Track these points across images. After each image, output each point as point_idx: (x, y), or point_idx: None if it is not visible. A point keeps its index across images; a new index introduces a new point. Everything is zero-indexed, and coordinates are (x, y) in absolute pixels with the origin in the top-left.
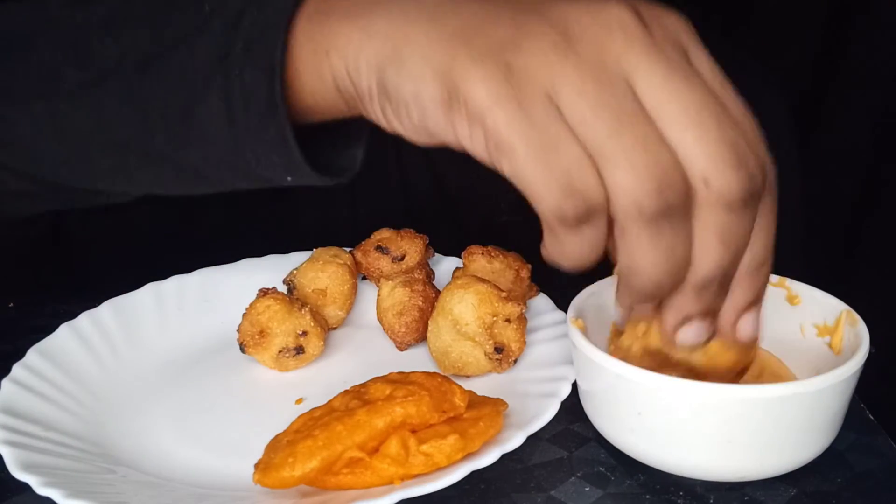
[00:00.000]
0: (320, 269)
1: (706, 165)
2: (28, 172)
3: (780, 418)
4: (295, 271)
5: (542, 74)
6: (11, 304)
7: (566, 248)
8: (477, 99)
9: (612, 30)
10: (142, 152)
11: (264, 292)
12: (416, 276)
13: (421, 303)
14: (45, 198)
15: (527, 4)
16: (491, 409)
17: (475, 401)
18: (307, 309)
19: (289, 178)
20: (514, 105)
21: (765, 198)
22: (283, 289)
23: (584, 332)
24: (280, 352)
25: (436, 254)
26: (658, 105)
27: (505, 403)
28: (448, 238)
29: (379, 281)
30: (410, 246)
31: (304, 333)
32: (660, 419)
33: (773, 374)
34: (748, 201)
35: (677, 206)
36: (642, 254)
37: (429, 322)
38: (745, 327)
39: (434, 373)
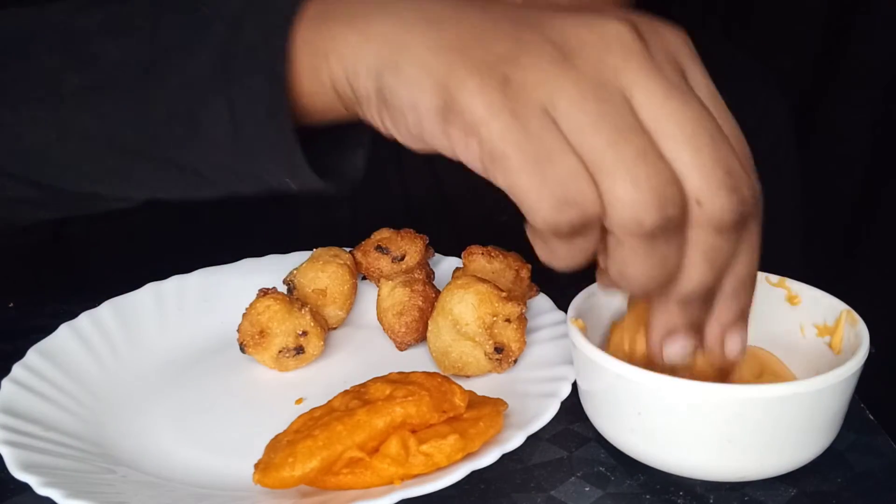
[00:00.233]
0: (320, 269)
1: (700, 186)
2: (29, 177)
3: (780, 418)
4: (295, 271)
5: (539, 88)
6: (11, 304)
7: (557, 254)
8: (473, 109)
9: (611, 45)
10: (144, 156)
11: (264, 292)
12: (416, 276)
13: (421, 303)
14: (46, 204)
15: (526, 17)
16: (491, 409)
17: (475, 401)
18: (307, 309)
19: (292, 184)
20: (509, 116)
21: (751, 219)
22: (283, 289)
23: (584, 332)
24: (280, 352)
25: (436, 254)
26: (655, 121)
27: (505, 403)
28: (448, 238)
29: (379, 281)
30: (410, 246)
31: (304, 333)
32: (660, 419)
33: (773, 374)
34: (738, 224)
35: (675, 221)
36: (636, 266)
37: (429, 322)
38: (730, 346)
39: (434, 373)
